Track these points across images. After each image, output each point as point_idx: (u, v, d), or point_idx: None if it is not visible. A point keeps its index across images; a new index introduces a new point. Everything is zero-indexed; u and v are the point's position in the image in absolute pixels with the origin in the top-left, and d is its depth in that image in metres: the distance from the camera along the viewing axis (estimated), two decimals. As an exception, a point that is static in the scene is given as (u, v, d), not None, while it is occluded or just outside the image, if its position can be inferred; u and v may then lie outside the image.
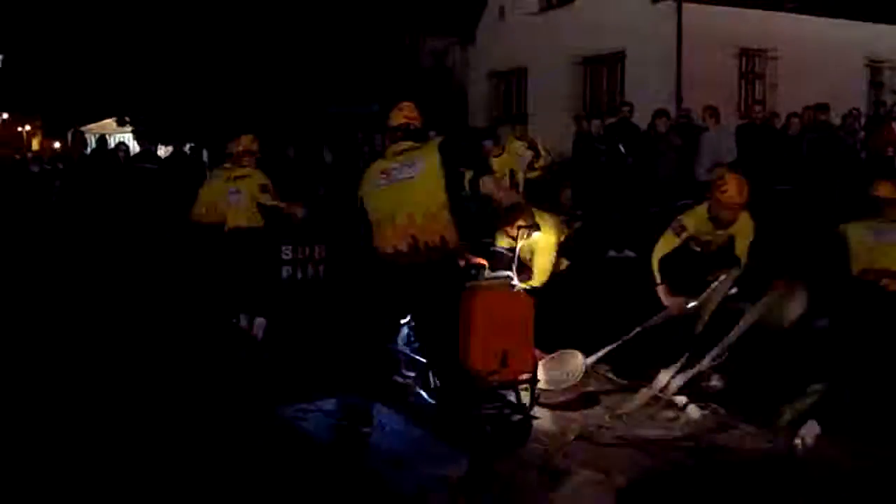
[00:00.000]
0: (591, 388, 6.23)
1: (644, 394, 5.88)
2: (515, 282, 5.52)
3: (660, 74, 16.25)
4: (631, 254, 10.40)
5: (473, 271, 5.55)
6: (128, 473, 4.61)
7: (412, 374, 5.65)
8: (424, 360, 5.41)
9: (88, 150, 13.80)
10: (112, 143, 14.57)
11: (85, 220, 11.03)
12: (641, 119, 12.27)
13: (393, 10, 21.65)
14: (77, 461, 4.76)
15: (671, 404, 5.79)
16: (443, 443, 5.02)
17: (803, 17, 17.23)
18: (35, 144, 42.22)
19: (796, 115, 11.98)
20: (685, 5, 16.09)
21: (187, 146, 15.10)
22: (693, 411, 5.67)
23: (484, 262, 5.75)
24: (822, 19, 17.37)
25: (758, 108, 13.62)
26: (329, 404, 5.62)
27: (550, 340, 5.88)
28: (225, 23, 19.11)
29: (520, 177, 10.98)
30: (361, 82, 20.47)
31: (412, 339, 5.68)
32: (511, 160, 10.85)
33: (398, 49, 22.65)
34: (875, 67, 19.06)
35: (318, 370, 6.20)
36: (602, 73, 18.37)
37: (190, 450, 4.94)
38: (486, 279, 5.48)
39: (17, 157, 23.22)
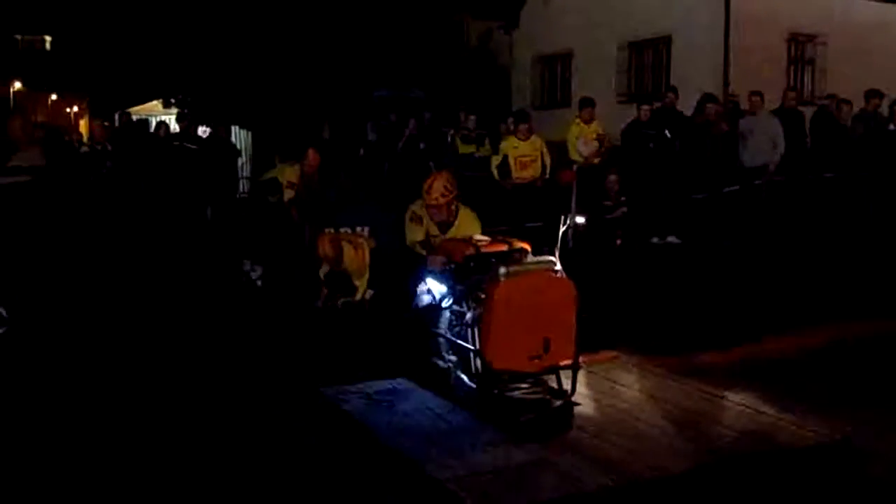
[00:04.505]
0: (629, 374, 6.20)
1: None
2: (559, 266, 5.47)
3: (707, 59, 16.07)
4: (674, 240, 10.33)
5: (517, 255, 5.50)
6: (175, 450, 4.69)
7: (454, 359, 5.66)
8: (467, 345, 5.41)
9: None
10: (154, 124, 14.77)
11: (132, 199, 11.17)
12: (689, 104, 12.11)
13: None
14: (122, 439, 4.84)
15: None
16: (484, 427, 5.03)
17: (855, 1, 16.91)
18: (82, 126, 42.79)
19: (846, 102, 11.77)
20: (732, -11, 15.84)
21: (232, 128, 15.24)
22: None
23: (527, 245, 5.71)
24: (874, 3, 17.03)
25: (807, 94, 13.43)
26: (371, 386, 5.68)
27: (593, 328, 5.84)
28: (273, 4, 19.22)
29: (547, 160, 11.02)
30: (407, 65, 20.51)
31: (454, 323, 5.68)
32: (571, 145, 10.91)
33: (444, 32, 22.62)
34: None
35: (362, 352, 6.24)
36: (648, 57, 18.16)
37: (233, 428, 5.00)
38: (530, 263, 5.42)
39: (67, 137, 23.51)
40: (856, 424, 5.09)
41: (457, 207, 6.41)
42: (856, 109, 11.78)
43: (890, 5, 17.19)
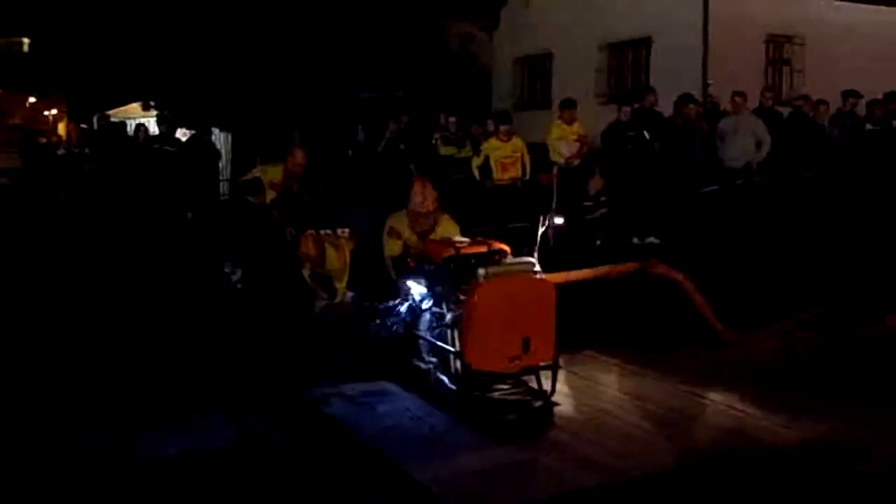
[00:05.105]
0: (608, 374, 6.24)
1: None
2: (538, 267, 5.49)
3: (686, 60, 16.12)
4: (654, 241, 10.35)
5: (496, 256, 5.52)
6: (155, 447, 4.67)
7: (434, 360, 5.66)
8: (447, 346, 5.43)
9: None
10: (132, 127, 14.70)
11: (110, 202, 11.11)
12: (669, 105, 12.15)
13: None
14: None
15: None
16: (465, 428, 5.04)
17: (832, 2, 17.04)
18: (61, 128, 42.44)
19: (824, 102, 11.85)
20: (712, -9, 15.93)
21: (211, 131, 15.18)
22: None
23: (506, 247, 5.73)
24: (851, 4, 17.17)
25: (785, 95, 13.51)
26: (353, 388, 5.69)
27: (572, 328, 5.87)
28: (254, 6, 19.17)
29: (527, 161, 11.06)
30: (388, 67, 20.49)
31: (434, 324, 5.69)
32: (552, 146, 10.93)
33: (425, 34, 22.62)
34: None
35: (343, 354, 6.24)
36: (628, 58, 18.22)
37: (215, 430, 4.99)
38: (509, 264, 5.44)
39: (43, 140, 23.34)
40: (841, 423, 5.14)
41: (437, 214, 6.44)
42: (832, 110, 11.87)
43: (863, 7, 17.34)
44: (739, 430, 5.21)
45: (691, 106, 11.33)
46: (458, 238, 5.98)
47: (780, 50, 17.24)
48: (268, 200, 8.31)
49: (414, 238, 6.38)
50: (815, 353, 6.72)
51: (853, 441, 4.90)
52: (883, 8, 17.54)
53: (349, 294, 7.34)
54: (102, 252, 9.41)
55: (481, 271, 5.12)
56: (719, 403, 5.63)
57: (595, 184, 9.58)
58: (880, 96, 12.68)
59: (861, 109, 11.92)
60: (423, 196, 6.35)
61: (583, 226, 9.28)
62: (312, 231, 7.58)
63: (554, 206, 9.40)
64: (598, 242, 9.45)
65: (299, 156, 8.64)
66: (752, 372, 6.27)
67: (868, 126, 11.57)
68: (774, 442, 4.98)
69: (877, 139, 11.35)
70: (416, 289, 5.76)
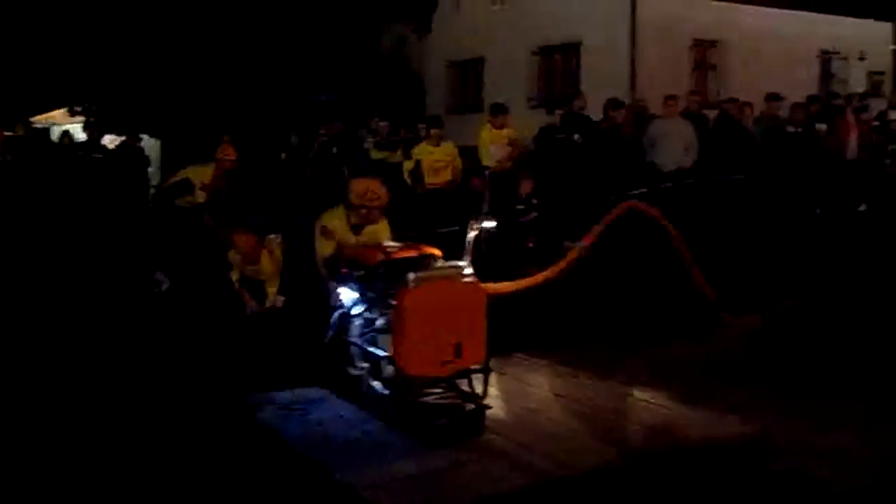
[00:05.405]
0: (540, 375, 6.30)
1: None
2: (469, 270, 5.49)
3: (615, 64, 16.37)
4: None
5: (427, 261, 5.53)
6: (80, 460, 4.58)
7: (367, 366, 5.66)
8: (378, 352, 5.43)
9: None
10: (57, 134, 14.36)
11: (35, 210, 10.85)
12: (599, 108, 12.29)
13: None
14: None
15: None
16: (397, 433, 5.05)
17: (756, 8, 17.47)
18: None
19: (748, 105, 12.13)
20: (640, -5, 16.20)
21: (140, 137, 14.91)
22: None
23: (437, 251, 5.74)
24: (775, 10, 17.63)
25: (711, 98, 13.78)
26: (285, 395, 5.66)
27: (504, 331, 5.92)
28: (181, 8, 18.90)
29: (459, 165, 11.10)
30: (322, 70, 20.37)
31: (366, 330, 5.68)
32: (483, 150, 10.97)
33: (358, 37, 22.53)
34: (826, 59, 19.38)
35: (274, 360, 6.20)
36: (558, 62, 18.41)
37: (145, 438, 4.92)
38: (439, 269, 5.45)
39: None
40: (765, 421, 5.26)
41: (378, 214, 6.41)
42: (755, 112, 12.15)
43: (792, 12, 17.81)
44: (669, 427, 5.31)
45: (617, 110, 11.50)
46: (389, 243, 5.98)
47: (705, 54, 17.60)
48: (198, 202, 8.20)
49: (348, 236, 6.33)
50: (748, 351, 6.89)
51: (774, 438, 5.03)
52: (802, 12, 18.05)
53: (280, 299, 7.29)
54: (25, 262, 9.19)
55: (411, 276, 5.13)
56: (650, 402, 5.74)
57: (525, 187, 9.67)
58: (802, 98, 13.06)
59: (784, 112, 12.24)
60: (366, 188, 6.33)
61: (515, 229, 9.35)
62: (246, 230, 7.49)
63: (485, 209, 9.45)
64: (531, 245, 9.53)
65: (229, 150, 8.51)
66: (683, 369, 6.40)
67: (789, 128, 11.86)
68: (704, 439, 5.08)
69: (798, 141, 11.65)
70: (347, 294, 5.75)
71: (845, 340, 7.03)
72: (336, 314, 5.86)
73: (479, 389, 5.38)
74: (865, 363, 6.46)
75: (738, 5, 17.34)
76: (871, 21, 20.03)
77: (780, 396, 5.80)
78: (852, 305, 8.05)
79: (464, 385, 5.39)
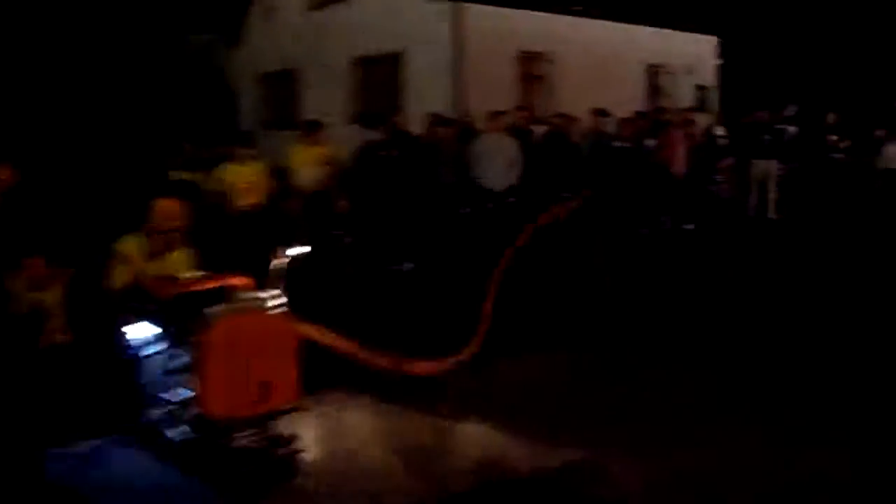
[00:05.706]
0: (360, 412, 6.28)
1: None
2: (278, 301, 5.38)
3: (438, 77, 16.57)
4: (410, 265, 10.56)
5: (230, 292, 5.39)
6: None
7: (166, 410, 5.47)
8: (177, 394, 5.26)
9: None
10: None
11: None
12: (422, 123, 12.41)
13: (150, 6, 20.99)
14: None
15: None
16: (196, 481, 4.90)
17: (583, 20, 18.11)
18: None
19: (576, 120, 12.59)
20: (463, 6, 16.47)
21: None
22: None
23: (246, 280, 5.59)
24: (601, 23, 18.37)
25: (539, 112, 14.19)
26: (78, 447, 5.44)
27: (319, 367, 5.85)
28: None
29: (269, 186, 11.03)
30: (128, 83, 19.72)
31: (165, 370, 5.49)
32: (295, 171, 10.88)
33: (158, 48, 21.94)
34: (653, 72, 20.36)
35: (65, 407, 5.94)
36: (379, 75, 18.43)
37: None
38: (243, 300, 5.32)
39: None
40: (593, 447, 5.43)
41: (178, 241, 6.24)
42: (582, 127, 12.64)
43: (618, 24, 18.60)
44: (496, 460, 5.39)
45: (440, 126, 11.68)
46: (190, 273, 5.81)
47: (531, 66, 18.04)
48: None
49: (145, 264, 6.12)
50: (574, 379, 7.08)
51: (600, 465, 5.20)
52: (630, 25, 18.91)
53: (66, 336, 6.99)
54: None
55: (209, 311, 4.99)
56: (476, 434, 5.81)
57: (341, 207, 9.65)
58: (630, 113, 13.69)
59: (612, 127, 12.79)
60: (164, 213, 6.15)
61: (332, 254, 9.33)
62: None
63: (299, 234, 9.37)
64: (350, 270, 9.53)
65: (5, 171, 8.08)
66: (510, 399, 6.50)
67: (617, 143, 12.40)
68: (531, 470, 5.18)
69: (625, 156, 12.20)
70: (139, 332, 5.54)
71: (664, 363, 7.35)
72: (130, 353, 5.64)
73: (291, 431, 5.29)
74: (680, 383, 6.79)
75: (564, 17, 17.89)
76: (697, 35, 21.27)
77: (599, 421, 5.98)
78: (679, 327, 8.45)
79: (280, 426, 5.29)
